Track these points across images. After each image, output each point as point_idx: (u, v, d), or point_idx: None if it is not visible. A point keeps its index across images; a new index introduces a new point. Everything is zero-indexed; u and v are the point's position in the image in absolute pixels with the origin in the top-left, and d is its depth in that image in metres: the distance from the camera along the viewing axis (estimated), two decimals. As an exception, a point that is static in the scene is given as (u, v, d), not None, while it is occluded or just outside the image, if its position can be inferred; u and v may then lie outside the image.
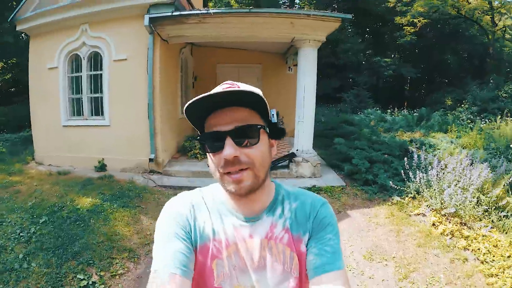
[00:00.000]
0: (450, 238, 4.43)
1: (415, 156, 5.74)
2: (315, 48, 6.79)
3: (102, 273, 3.78)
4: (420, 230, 4.62)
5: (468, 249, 4.24)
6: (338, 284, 0.95)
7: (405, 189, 5.59)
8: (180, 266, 0.95)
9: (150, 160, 6.99)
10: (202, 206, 1.09)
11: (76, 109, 7.86)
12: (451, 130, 9.06)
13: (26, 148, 9.31)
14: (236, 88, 0.93)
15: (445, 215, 4.83)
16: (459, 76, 21.20)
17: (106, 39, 7.05)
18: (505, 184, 5.11)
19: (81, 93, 7.63)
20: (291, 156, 6.95)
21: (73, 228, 4.55)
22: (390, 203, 5.43)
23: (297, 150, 7.02)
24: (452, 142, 7.45)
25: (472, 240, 4.40)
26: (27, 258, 3.86)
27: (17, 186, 6.26)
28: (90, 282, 3.59)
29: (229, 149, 0.94)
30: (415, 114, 12.47)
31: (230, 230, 1.09)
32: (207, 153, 1.02)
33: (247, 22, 6.68)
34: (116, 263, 4.00)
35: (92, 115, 7.66)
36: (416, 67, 21.35)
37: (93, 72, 7.48)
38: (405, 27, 19.82)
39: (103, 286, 3.59)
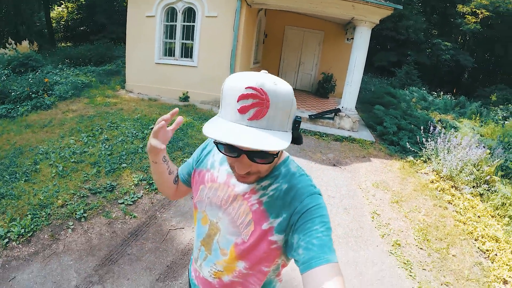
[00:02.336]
0: (439, 192, 6.05)
1: (435, 130, 7.32)
2: (369, 29, 8.19)
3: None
4: (420, 182, 6.29)
5: (451, 203, 5.80)
6: (323, 280, 0.93)
7: (419, 153, 7.15)
8: (183, 173, 1.51)
9: None
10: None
11: (168, 51, 9.85)
12: (477, 120, 10.33)
13: (110, 79, 11.47)
14: (252, 146, 0.88)
15: (443, 177, 6.44)
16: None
17: (201, -1, 8.88)
18: (497, 167, 6.60)
19: (174, 39, 9.55)
20: (336, 111, 8.62)
21: (175, 134, 6.54)
22: (405, 161, 7.05)
23: (342, 107, 8.70)
24: (473, 128, 8.79)
25: (456, 198, 5.94)
26: (145, 148, 5.84)
27: (118, 106, 8.32)
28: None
29: (244, 168, 1.04)
30: (454, 100, 13.35)
31: (222, 173, 1.28)
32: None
33: (318, 1, 8.17)
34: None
35: (181, 57, 9.64)
36: (476, 57, 21.47)
37: (186, 23, 9.33)
38: (467, 16, 19.90)
39: None
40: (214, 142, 1.07)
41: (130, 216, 4.30)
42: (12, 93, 7.90)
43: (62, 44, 21.54)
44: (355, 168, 6.47)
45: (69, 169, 5.08)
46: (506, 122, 10.33)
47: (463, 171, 6.32)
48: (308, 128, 8.05)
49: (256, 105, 0.93)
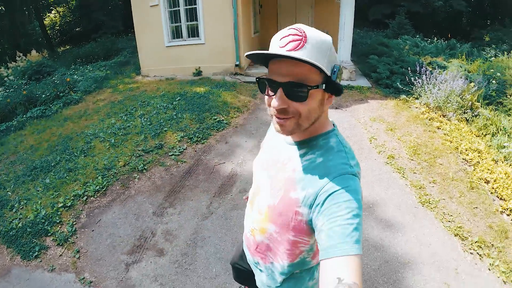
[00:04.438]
0: (429, 121, 7.06)
1: (423, 69, 8.31)
2: None
3: (225, 117, 7.03)
4: (412, 114, 7.30)
5: (439, 128, 6.78)
6: (335, 273, 0.92)
7: (411, 91, 8.14)
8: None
9: (236, 65, 10.17)
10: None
11: (176, 33, 10.90)
12: (464, 58, 11.13)
13: (123, 69, 12.68)
14: (297, 55, 0.99)
15: (432, 109, 7.43)
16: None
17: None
18: (479, 95, 7.64)
19: (180, 22, 10.60)
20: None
21: (200, 101, 7.70)
22: (398, 99, 8.09)
23: (339, 61, 9.82)
24: (461, 66, 9.65)
25: (444, 123, 6.92)
26: (178, 114, 7.07)
27: (141, 88, 9.52)
28: (220, 119, 6.87)
29: (278, 101, 1.07)
30: (445, 43, 14.07)
31: (272, 139, 1.48)
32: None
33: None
34: (231, 113, 7.25)
35: (189, 37, 10.72)
36: (471, 1, 21.62)
37: (188, 7, 10.34)
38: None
39: (226, 121, 6.86)
40: (256, 80, 1.15)
41: (181, 162, 5.56)
42: (42, 95, 9.10)
43: (61, 48, 22.68)
44: (355, 108, 7.57)
45: (120, 141, 6.26)
46: (492, 58, 11.12)
47: (449, 101, 7.32)
48: None
49: (294, 40, 1.04)
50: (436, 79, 7.75)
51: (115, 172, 5.35)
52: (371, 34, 17.80)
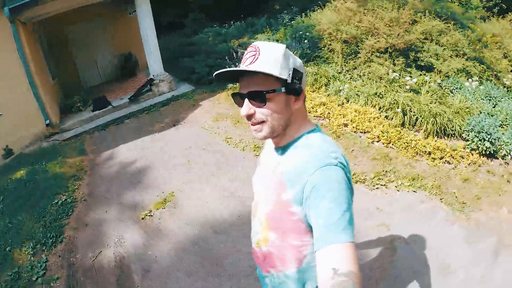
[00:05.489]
0: None
1: (238, 53, 8.23)
2: None
3: (66, 194, 5.68)
4: None
5: None
6: (325, 264, 1.01)
7: None
8: None
9: (47, 125, 8.21)
10: None
11: None
12: (268, 31, 11.63)
13: None
14: (251, 68, 1.19)
15: None
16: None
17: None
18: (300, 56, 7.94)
19: None
20: (150, 81, 8.97)
21: (27, 188, 5.69)
22: (227, 90, 7.99)
23: (153, 75, 9.09)
24: (269, 38, 10.06)
25: None
26: (12, 219, 5.54)
27: None
28: (62, 200, 5.49)
29: (243, 109, 1.27)
30: (244, 23, 14.64)
31: (264, 152, 1.61)
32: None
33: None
34: (69, 186, 5.86)
35: None
36: None
37: None
38: None
39: (70, 198, 5.44)
40: (232, 95, 1.36)
41: (54, 282, 4.12)
42: None
43: None
44: (192, 117, 7.12)
45: None
46: (293, 21, 11.75)
47: None
48: (136, 109, 8.21)
49: (251, 55, 1.23)
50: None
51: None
52: (171, 38, 17.41)
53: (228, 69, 1.21)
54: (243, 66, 1.22)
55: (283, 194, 1.27)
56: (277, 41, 9.54)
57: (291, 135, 1.34)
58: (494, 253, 3.80)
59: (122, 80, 11.31)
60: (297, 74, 1.26)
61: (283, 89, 1.22)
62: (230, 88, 7.96)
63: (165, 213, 4.55)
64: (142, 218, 4.50)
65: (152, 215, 4.55)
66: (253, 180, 1.64)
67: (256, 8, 22.76)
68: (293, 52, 7.76)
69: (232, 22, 15.90)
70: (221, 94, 7.89)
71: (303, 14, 11.27)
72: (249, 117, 1.26)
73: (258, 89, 1.21)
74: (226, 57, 8.53)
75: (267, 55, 1.20)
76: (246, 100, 1.25)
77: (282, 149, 1.38)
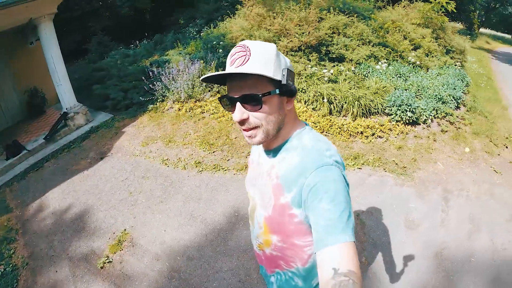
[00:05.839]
0: (190, 112, 7.05)
1: (154, 72, 7.97)
2: (51, 21, 7.88)
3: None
4: (171, 117, 7.13)
5: (204, 111, 6.99)
6: (329, 263, 1.00)
7: (153, 98, 7.87)
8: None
9: None
10: None
11: None
12: (178, 45, 11.49)
13: None
14: (243, 70, 1.13)
15: (183, 101, 7.43)
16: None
17: None
18: (215, 66, 7.90)
19: None
20: (64, 116, 8.34)
21: None
22: (148, 111, 7.64)
23: (66, 109, 8.49)
24: (180, 53, 9.87)
25: (204, 106, 7.15)
26: None
27: None
28: None
29: (237, 113, 1.19)
30: (151, 41, 14.45)
31: (255, 155, 1.55)
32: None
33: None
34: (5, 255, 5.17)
35: None
36: None
37: None
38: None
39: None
40: (219, 99, 1.28)
41: None
42: None
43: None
44: (118, 146, 6.67)
45: None
46: (201, 33, 11.86)
47: (195, 85, 7.55)
48: (54, 149, 7.37)
49: (240, 56, 1.16)
50: (169, 75, 7.78)
51: None
52: (76, 66, 16.53)
53: (219, 72, 1.15)
54: (233, 67, 1.17)
55: (281, 198, 1.26)
56: (189, 54, 9.43)
57: (283, 136, 1.32)
58: (444, 199, 4.76)
59: (31, 120, 10.46)
60: (290, 74, 1.23)
61: (277, 91, 1.19)
62: (151, 108, 7.67)
63: (125, 255, 4.10)
64: (101, 267, 3.94)
65: (111, 261, 4.01)
66: (245, 183, 1.64)
67: (159, 25, 22.61)
68: (210, 62, 8.00)
69: (137, 41, 15.58)
70: (143, 117, 7.56)
71: (210, 25, 11.37)
72: (242, 122, 1.21)
73: (252, 92, 1.16)
74: (143, 77, 8.23)
75: (258, 55, 1.16)
76: (239, 104, 1.19)
77: (274, 151, 1.36)
